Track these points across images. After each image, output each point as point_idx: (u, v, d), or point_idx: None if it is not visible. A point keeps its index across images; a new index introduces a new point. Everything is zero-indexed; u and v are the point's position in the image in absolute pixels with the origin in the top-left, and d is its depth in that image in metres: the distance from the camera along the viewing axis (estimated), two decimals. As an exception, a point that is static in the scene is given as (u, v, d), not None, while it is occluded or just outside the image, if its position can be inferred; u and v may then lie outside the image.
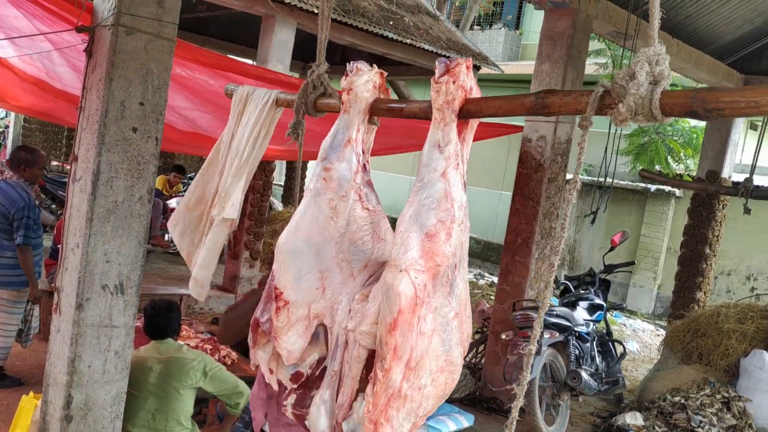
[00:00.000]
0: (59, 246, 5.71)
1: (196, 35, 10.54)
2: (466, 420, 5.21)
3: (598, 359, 5.64)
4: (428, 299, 1.57)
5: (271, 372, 1.92)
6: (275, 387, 1.95)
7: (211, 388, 3.40)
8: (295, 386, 1.84)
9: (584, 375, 5.17)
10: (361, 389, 1.72)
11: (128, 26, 2.86)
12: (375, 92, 1.85)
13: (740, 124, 8.14)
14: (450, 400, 5.60)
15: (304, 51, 10.95)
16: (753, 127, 13.70)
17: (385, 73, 1.90)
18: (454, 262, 1.61)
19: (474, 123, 1.69)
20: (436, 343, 1.62)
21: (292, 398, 1.85)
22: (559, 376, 5.29)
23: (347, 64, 1.88)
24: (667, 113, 1.26)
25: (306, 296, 1.78)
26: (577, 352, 5.35)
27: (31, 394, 3.56)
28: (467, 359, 6.09)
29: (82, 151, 2.99)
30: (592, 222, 5.46)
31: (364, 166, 1.87)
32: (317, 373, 1.83)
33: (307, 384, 1.83)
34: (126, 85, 2.90)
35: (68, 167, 12.23)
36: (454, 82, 1.59)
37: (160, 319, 3.40)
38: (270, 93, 2.28)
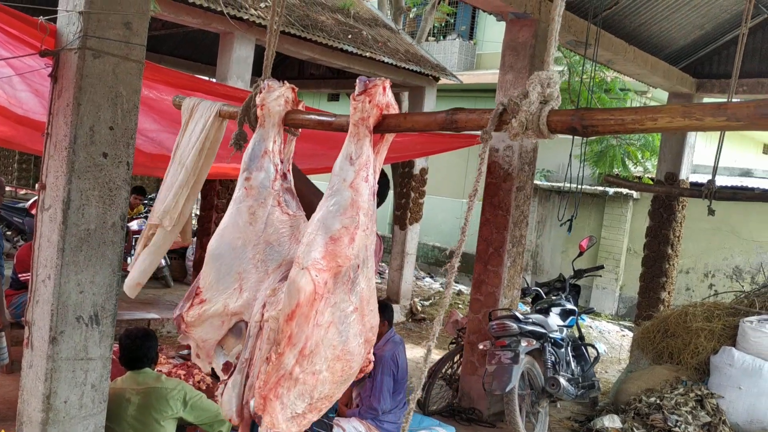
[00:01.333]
0: (20, 276, 5.54)
1: (151, 53, 10.37)
2: (447, 433, 5.19)
3: (573, 364, 5.68)
4: (328, 295, 1.73)
5: (198, 356, 2.10)
6: (204, 369, 2.14)
7: (192, 417, 3.31)
8: (226, 377, 2.00)
9: (562, 381, 5.20)
10: None
11: (95, 49, 2.78)
12: (287, 106, 2.01)
13: (695, 127, 8.35)
14: (429, 413, 5.58)
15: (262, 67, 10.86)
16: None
17: (296, 89, 2.07)
18: (357, 263, 1.77)
19: (389, 137, 1.85)
20: (332, 334, 1.79)
21: (221, 388, 2.00)
22: (537, 383, 5.31)
23: (259, 81, 2.07)
24: (552, 129, 1.41)
25: (223, 295, 1.97)
26: (553, 358, 5.38)
27: (2, 431, 3.41)
28: (444, 371, 6.07)
29: (51, 179, 2.89)
30: (569, 230, 5.52)
31: (284, 174, 2.04)
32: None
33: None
34: (95, 109, 2.81)
35: (21, 192, 11.87)
36: (370, 101, 1.73)
37: (138, 349, 3.30)
38: (214, 105, 2.39)
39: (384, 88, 1.76)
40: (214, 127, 2.40)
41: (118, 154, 2.93)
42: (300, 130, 2.12)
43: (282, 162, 2.05)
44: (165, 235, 2.46)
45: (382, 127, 1.78)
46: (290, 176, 2.09)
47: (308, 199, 2.30)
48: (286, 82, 2.06)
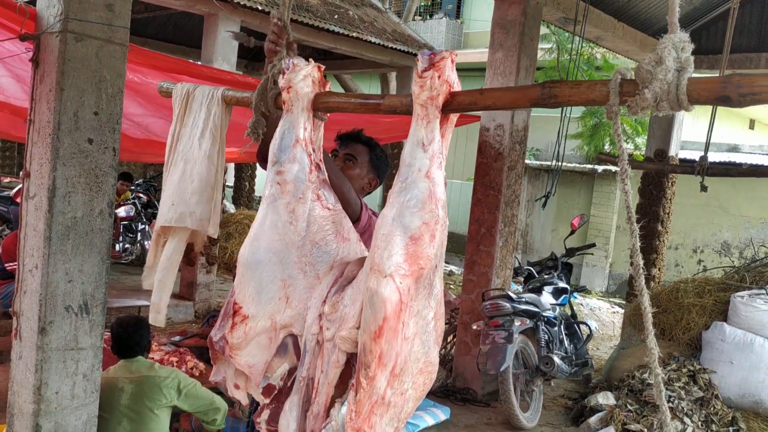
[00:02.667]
0: (7, 265, 5.47)
1: (135, 37, 10.22)
2: (442, 413, 5.20)
3: (566, 342, 5.71)
4: (412, 303, 1.53)
5: (237, 387, 1.85)
6: (244, 402, 1.89)
7: (187, 405, 3.28)
8: (268, 401, 1.78)
9: (556, 359, 5.21)
10: (335, 395, 1.67)
11: (77, 32, 2.70)
12: (315, 87, 1.78)
13: (683, 103, 8.35)
14: (423, 394, 5.58)
15: (248, 49, 10.74)
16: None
17: (323, 67, 1.82)
18: (435, 263, 1.57)
19: (454, 118, 1.63)
20: (417, 346, 1.59)
21: (266, 414, 1.78)
22: (531, 362, 5.33)
23: (283, 61, 1.80)
24: (694, 100, 1.22)
25: (269, 308, 1.73)
26: (546, 337, 5.39)
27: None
28: (437, 352, 6.07)
29: (35, 166, 2.82)
30: (543, 206, 5.51)
31: (318, 164, 1.81)
32: (289, 384, 1.76)
33: (280, 397, 1.77)
34: (78, 94, 2.74)
35: (5, 180, 11.71)
36: (439, 77, 1.50)
37: (130, 337, 3.25)
38: (215, 91, 2.16)
39: (452, 61, 1.53)
40: (221, 116, 2.18)
41: (103, 140, 2.87)
42: (328, 114, 1.87)
43: (314, 151, 1.81)
44: (179, 241, 2.26)
45: (451, 105, 1.54)
46: (323, 166, 1.86)
47: (337, 186, 2.08)
48: (311, 59, 1.82)
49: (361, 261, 1.70)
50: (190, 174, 2.14)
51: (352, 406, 1.53)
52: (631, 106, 1.26)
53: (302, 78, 1.74)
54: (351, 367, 1.62)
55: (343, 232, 1.82)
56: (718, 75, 1.23)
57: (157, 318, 2.27)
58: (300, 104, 1.76)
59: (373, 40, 8.98)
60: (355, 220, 2.31)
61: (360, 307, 1.56)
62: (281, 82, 1.77)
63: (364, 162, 2.64)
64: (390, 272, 1.47)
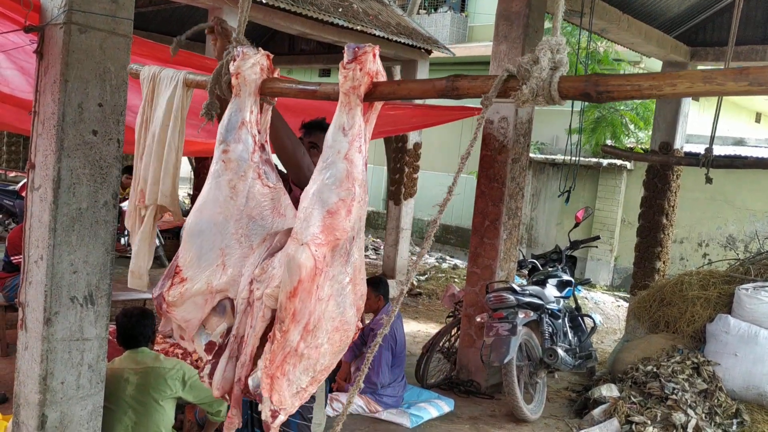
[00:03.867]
0: (13, 258, 5.49)
1: (138, 30, 10.23)
2: (446, 405, 5.22)
3: (570, 335, 5.70)
4: (327, 269, 1.71)
5: (182, 338, 2.07)
6: (190, 349, 2.10)
7: (191, 397, 3.30)
8: (210, 357, 1.96)
9: (560, 351, 5.22)
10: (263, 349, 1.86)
11: (81, 24, 2.71)
12: (263, 74, 1.94)
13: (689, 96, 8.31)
14: (428, 386, 5.61)
15: (253, 41, 10.73)
16: (694, 98, 14.04)
17: (272, 55, 1.98)
18: (352, 234, 1.76)
19: (378, 105, 1.79)
20: (332, 307, 1.78)
21: (207, 368, 1.97)
22: (535, 354, 5.33)
23: (234, 50, 1.96)
24: (564, 95, 1.40)
25: (206, 273, 1.91)
26: (550, 329, 5.39)
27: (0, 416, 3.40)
28: (441, 344, 6.09)
29: (40, 158, 2.83)
30: (567, 201, 5.50)
31: (262, 145, 1.98)
32: (227, 341, 1.96)
33: (220, 353, 1.95)
34: (83, 86, 2.75)
35: (11, 174, 11.78)
36: (360, 69, 1.67)
37: (134, 327, 3.27)
38: (178, 73, 2.32)
39: (374, 55, 1.70)
40: (182, 98, 2.34)
41: (108, 132, 2.88)
42: (276, 99, 2.06)
43: (260, 132, 2.00)
44: (150, 215, 2.40)
45: (374, 95, 1.70)
46: (268, 147, 2.05)
47: (284, 143, 2.31)
48: (260, 48, 1.99)
49: (290, 232, 1.87)
50: (162, 154, 2.31)
51: (267, 355, 1.73)
52: (516, 98, 1.45)
53: (251, 66, 1.91)
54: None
55: (280, 208, 2.01)
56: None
57: (139, 283, 2.52)
58: (247, 89, 1.93)
59: (377, 33, 8.96)
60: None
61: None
62: (231, 68, 1.93)
63: None
64: (306, 241, 1.66)
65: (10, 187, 10.09)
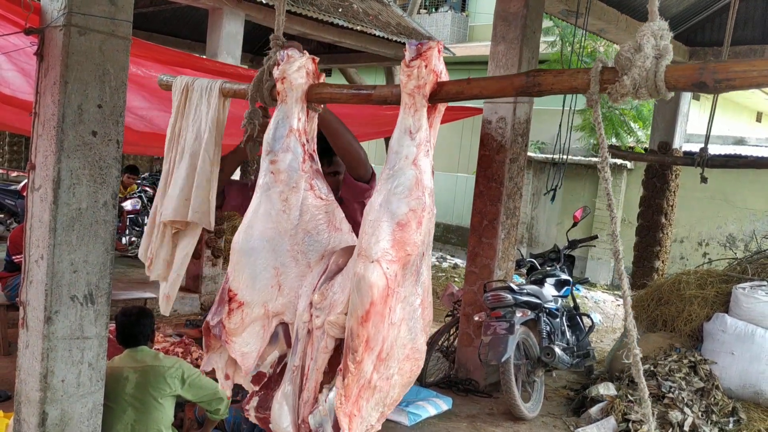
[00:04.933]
0: (14, 258, 5.53)
1: (139, 31, 10.27)
2: (444, 404, 5.24)
3: (568, 334, 5.73)
4: (398, 289, 1.55)
5: (227, 378, 1.87)
6: (229, 393, 1.94)
7: (190, 395, 3.33)
8: (257, 388, 1.80)
9: (557, 350, 5.24)
10: (323, 382, 1.70)
11: (81, 26, 2.74)
12: (309, 79, 1.80)
13: (688, 96, 8.34)
14: (426, 385, 5.64)
15: (252, 42, 10.77)
16: (695, 97, 14.06)
17: (317, 59, 1.84)
18: (422, 250, 1.60)
19: (442, 107, 1.66)
20: (404, 332, 1.62)
21: (254, 401, 1.80)
22: (533, 353, 5.36)
23: (276, 53, 1.83)
24: (671, 86, 1.24)
25: (262, 295, 1.74)
26: (548, 328, 5.42)
27: (1, 413, 3.43)
28: (440, 343, 6.12)
29: (40, 159, 2.87)
30: (552, 199, 5.53)
31: (311, 155, 1.83)
32: (278, 371, 1.79)
33: (270, 384, 1.80)
34: (82, 87, 2.79)
35: (12, 174, 11.80)
36: (426, 66, 1.53)
37: (133, 326, 3.30)
38: (213, 83, 2.18)
39: (439, 51, 1.55)
40: (220, 108, 2.19)
41: (107, 132, 2.92)
42: (323, 105, 1.90)
43: (308, 141, 1.83)
44: (196, 233, 2.26)
45: (439, 95, 1.55)
46: (317, 157, 1.87)
47: (348, 146, 2.17)
48: (306, 51, 1.85)
49: (351, 250, 1.71)
50: (196, 168, 2.17)
51: (341, 390, 1.54)
52: (611, 93, 1.28)
53: (296, 69, 1.77)
54: (339, 353, 1.63)
55: (335, 222, 1.84)
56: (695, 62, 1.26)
57: (167, 309, 2.37)
58: (294, 95, 1.78)
59: (377, 33, 8.99)
60: (367, 180, 2.40)
61: (348, 294, 1.58)
62: (276, 73, 1.80)
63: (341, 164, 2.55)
64: (377, 257, 1.49)
65: (12, 187, 10.14)
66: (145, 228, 2.54)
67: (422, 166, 1.57)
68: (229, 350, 1.77)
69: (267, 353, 1.79)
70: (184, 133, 2.28)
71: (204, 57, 7.07)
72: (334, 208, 1.85)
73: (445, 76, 1.58)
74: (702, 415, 4.94)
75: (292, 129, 1.78)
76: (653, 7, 1.29)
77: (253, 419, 1.80)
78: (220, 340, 1.78)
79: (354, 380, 1.53)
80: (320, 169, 1.85)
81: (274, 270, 1.74)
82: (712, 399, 5.09)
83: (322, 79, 1.85)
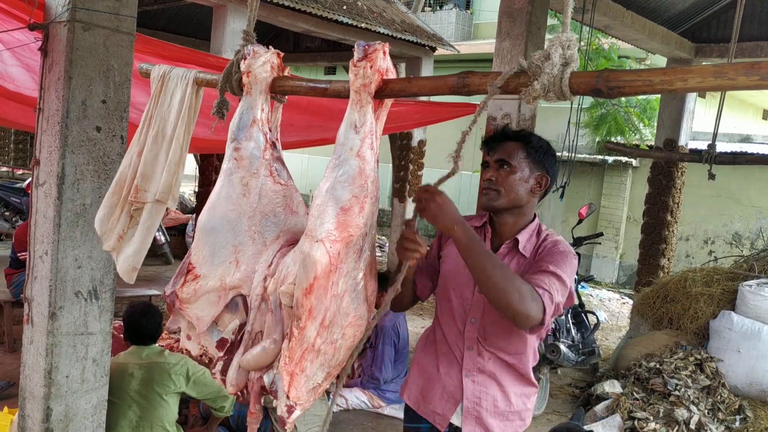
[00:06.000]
0: (19, 255, 5.54)
1: (144, 29, 10.27)
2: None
3: (573, 331, 5.71)
4: (341, 265, 1.72)
5: (189, 338, 2.04)
6: (194, 352, 2.07)
7: (195, 392, 3.33)
8: (221, 353, 1.96)
9: (563, 348, 5.22)
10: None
11: (85, 22, 2.74)
12: (273, 72, 1.94)
13: (694, 93, 8.31)
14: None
15: (258, 39, 10.76)
16: (701, 95, 14.01)
17: (282, 54, 1.98)
18: (365, 231, 1.77)
19: (388, 102, 1.81)
20: (347, 302, 1.79)
21: (219, 365, 1.97)
22: (538, 350, 5.34)
23: (244, 48, 1.96)
24: (575, 91, 1.40)
25: (220, 270, 1.91)
26: (553, 325, 5.40)
27: (6, 409, 3.44)
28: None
29: (44, 154, 2.87)
30: (561, 196, 5.51)
31: (273, 143, 1.98)
32: (239, 338, 1.95)
33: (232, 350, 1.96)
34: (86, 83, 2.79)
35: (18, 172, 11.83)
36: (371, 67, 1.68)
37: (140, 323, 3.31)
38: (189, 73, 2.30)
39: (384, 52, 1.71)
40: (192, 97, 2.31)
41: (111, 128, 2.92)
42: (287, 96, 2.07)
43: (271, 130, 2.00)
44: (154, 210, 2.36)
45: (384, 92, 1.72)
46: (279, 145, 2.04)
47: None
48: (271, 47, 1.98)
49: (301, 231, 1.88)
50: (167, 151, 2.26)
51: (286, 352, 1.73)
52: (525, 94, 1.46)
53: (261, 64, 1.91)
54: None
55: (292, 205, 2.01)
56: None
57: (132, 276, 2.44)
58: (258, 87, 1.93)
59: (381, 30, 8.97)
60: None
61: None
62: (242, 66, 1.93)
63: (520, 161, 2.25)
64: (321, 237, 1.67)
65: (18, 185, 10.17)
66: (104, 201, 2.57)
67: (366, 157, 1.73)
68: (184, 315, 1.97)
69: (228, 321, 1.96)
70: (158, 118, 2.39)
71: (209, 54, 7.07)
72: (293, 192, 2.01)
73: (391, 74, 1.73)
74: (708, 413, 4.91)
75: (255, 119, 1.93)
76: (566, 19, 1.48)
77: (218, 381, 1.98)
78: (174, 307, 1.98)
79: (297, 344, 1.72)
80: (281, 156, 2.01)
81: (233, 248, 1.91)
82: (719, 397, 5.07)
83: (287, 72, 1.98)
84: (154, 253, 9.16)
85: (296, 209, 2.02)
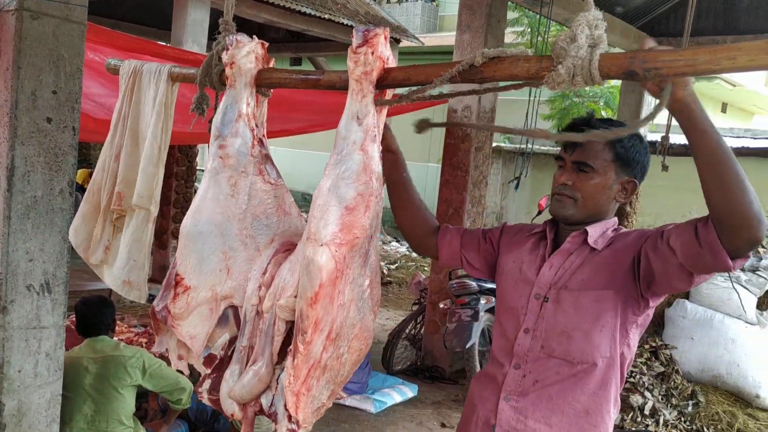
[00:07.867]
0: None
1: (104, 18, 10.09)
2: (410, 390, 5.29)
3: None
4: (347, 271, 1.57)
5: (180, 358, 1.88)
6: (186, 372, 1.92)
7: (152, 385, 3.31)
8: (209, 371, 1.80)
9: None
10: (277, 363, 1.71)
11: (33, 10, 2.69)
12: (258, 63, 1.79)
13: (652, 85, 8.46)
14: (393, 373, 5.67)
15: (219, 31, 10.64)
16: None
17: (267, 44, 1.83)
18: (370, 232, 1.62)
19: (390, 93, 1.67)
20: (353, 312, 1.64)
21: (207, 383, 1.81)
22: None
23: (225, 38, 1.81)
24: (605, 75, 1.27)
25: (210, 279, 1.74)
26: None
27: None
28: (407, 331, 6.16)
29: (-7, 146, 2.82)
30: (516, 187, 5.59)
31: (260, 139, 1.82)
32: (229, 353, 1.79)
33: (221, 366, 1.80)
34: (36, 73, 2.74)
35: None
36: (372, 53, 1.53)
37: (93, 316, 3.27)
38: (162, 68, 2.16)
39: (386, 38, 1.56)
40: (169, 92, 2.17)
41: (62, 119, 2.87)
42: (272, 91, 1.89)
43: (257, 126, 1.82)
44: (139, 217, 2.22)
45: (386, 81, 1.56)
46: (266, 141, 1.86)
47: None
48: (255, 36, 1.82)
49: (300, 234, 1.71)
50: (143, 152, 2.17)
51: (290, 370, 1.56)
52: (548, 81, 1.31)
53: (245, 54, 1.75)
54: (291, 335, 1.64)
55: (284, 206, 1.83)
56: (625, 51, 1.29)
57: (139, 295, 2.30)
58: (243, 80, 1.76)
59: (345, 22, 8.96)
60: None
61: (298, 277, 1.59)
62: (225, 57, 1.78)
63: (605, 164, 1.87)
64: (326, 241, 1.50)
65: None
66: (79, 209, 2.51)
67: (369, 151, 1.57)
68: (177, 334, 1.77)
69: (217, 335, 1.79)
70: (132, 117, 2.26)
71: (165, 44, 6.98)
72: (284, 192, 1.84)
73: (392, 63, 1.59)
74: (662, 399, 5.05)
75: (241, 114, 1.76)
76: None
77: (206, 401, 1.81)
78: (166, 325, 1.77)
79: (303, 360, 1.55)
80: (269, 154, 1.84)
81: (223, 254, 1.74)
82: (672, 383, 5.21)
83: (272, 64, 1.84)
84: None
85: (289, 210, 1.85)
